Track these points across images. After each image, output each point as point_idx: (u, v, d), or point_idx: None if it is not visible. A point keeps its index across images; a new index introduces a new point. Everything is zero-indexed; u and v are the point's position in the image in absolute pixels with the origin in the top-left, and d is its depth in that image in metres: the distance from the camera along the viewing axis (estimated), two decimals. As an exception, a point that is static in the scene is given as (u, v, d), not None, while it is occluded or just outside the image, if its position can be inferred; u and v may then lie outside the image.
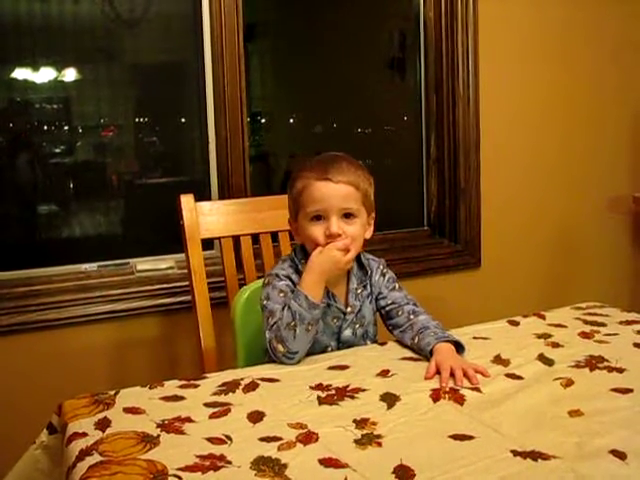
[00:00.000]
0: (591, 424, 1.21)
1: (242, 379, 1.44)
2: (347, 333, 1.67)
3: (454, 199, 2.86)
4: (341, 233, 1.56)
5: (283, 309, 1.54)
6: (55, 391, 1.57)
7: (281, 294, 1.58)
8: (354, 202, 1.58)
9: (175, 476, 1.06)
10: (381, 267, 1.74)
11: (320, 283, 1.55)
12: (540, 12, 2.90)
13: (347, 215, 1.58)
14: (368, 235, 1.68)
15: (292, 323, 1.51)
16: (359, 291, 1.68)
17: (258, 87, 2.93)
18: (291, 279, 1.60)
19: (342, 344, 1.66)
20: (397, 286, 1.74)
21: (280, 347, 1.51)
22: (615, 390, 1.35)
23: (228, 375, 1.47)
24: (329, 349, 1.64)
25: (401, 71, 3.00)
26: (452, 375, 1.41)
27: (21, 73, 2.37)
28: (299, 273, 1.61)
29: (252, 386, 1.41)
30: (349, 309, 1.66)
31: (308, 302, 1.51)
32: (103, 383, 1.84)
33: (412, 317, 1.66)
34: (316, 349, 1.60)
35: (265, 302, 1.59)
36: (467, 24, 2.75)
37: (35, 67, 2.38)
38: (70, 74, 2.46)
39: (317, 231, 1.57)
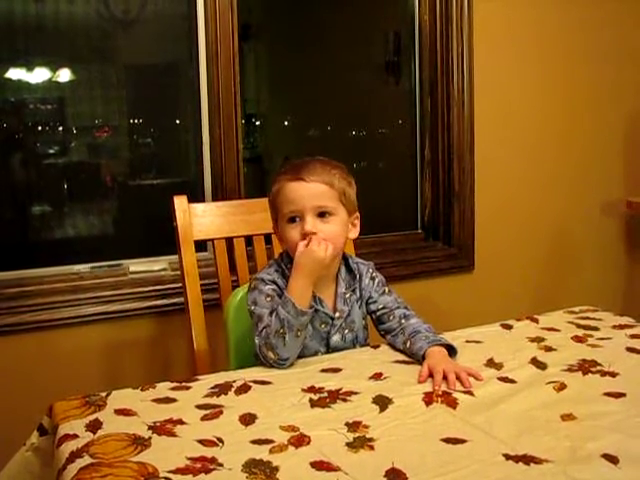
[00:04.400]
0: (584, 428, 1.21)
1: (234, 381, 1.43)
2: (336, 338, 1.65)
3: (448, 202, 2.86)
4: (316, 232, 1.54)
5: (271, 314, 1.54)
6: (46, 392, 1.56)
7: (268, 298, 1.57)
8: (329, 200, 1.57)
9: (166, 478, 1.05)
10: (370, 271, 1.73)
11: (308, 286, 1.54)
12: (535, 15, 2.91)
13: (324, 214, 1.57)
14: (353, 235, 1.68)
15: (281, 330, 1.50)
16: (347, 295, 1.67)
17: (253, 89, 2.93)
18: (277, 284, 1.60)
19: (331, 349, 1.65)
20: (387, 290, 1.73)
21: (271, 354, 1.51)
22: (608, 394, 1.35)
23: (220, 377, 1.47)
24: (319, 354, 1.63)
25: (396, 74, 3.01)
26: (445, 378, 1.41)
27: (15, 73, 2.37)
28: (285, 277, 1.60)
29: (244, 388, 1.40)
30: (337, 314, 1.65)
31: (295, 309, 1.50)
32: (95, 385, 1.82)
33: (403, 321, 1.66)
34: (305, 354, 1.59)
35: (253, 307, 1.58)
36: (462, 27, 2.75)
37: (29, 67, 2.38)
38: (64, 74, 2.46)
39: (294, 233, 1.57)
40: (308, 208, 1.55)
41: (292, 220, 1.58)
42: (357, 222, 1.68)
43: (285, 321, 1.50)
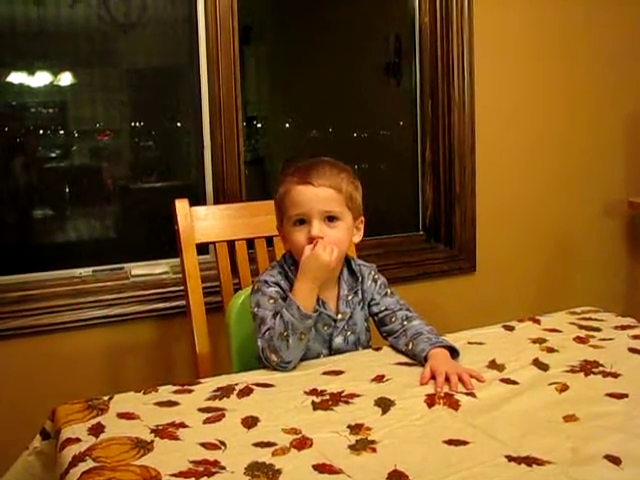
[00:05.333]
0: (586, 429, 1.21)
1: (236, 384, 1.43)
2: (338, 340, 1.65)
3: (449, 204, 2.87)
4: (323, 236, 1.54)
5: (274, 316, 1.53)
6: (49, 396, 1.56)
7: (271, 301, 1.57)
8: (336, 205, 1.57)
9: (168, 482, 1.05)
10: (372, 273, 1.73)
11: (313, 290, 1.54)
12: (535, 17, 2.91)
13: (330, 218, 1.57)
14: (356, 239, 1.68)
15: (285, 333, 1.50)
16: (350, 297, 1.67)
17: (254, 91, 2.93)
18: (280, 286, 1.60)
19: (334, 351, 1.65)
20: (389, 292, 1.73)
21: (273, 357, 1.51)
22: (610, 395, 1.35)
23: (222, 380, 1.47)
24: (321, 357, 1.63)
25: (397, 76, 3.01)
26: (447, 380, 1.41)
27: (17, 77, 2.37)
28: (288, 279, 1.60)
29: (246, 391, 1.40)
30: (340, 316, 1.65)
31: (300, 312, 1.50)
32: (97, 388, 1.82)
33: (405, 323, 1.65)
34: (308, 357, 1.59)
35: (255, 309, 1.58)
36: (462, 29, 2.75)
37: (31, 71, 2.38)
38: (66, 78, 2.46)
39: (300, 236, 1.57)
40: (315, 212, 1.55)
41: (298, 223, 1.58)
42: (361, 226, 1.68)
43: (289, 324, 1.50)
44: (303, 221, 1.57)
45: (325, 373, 1.50)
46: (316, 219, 1.55)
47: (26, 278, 2.32)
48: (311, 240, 1.54)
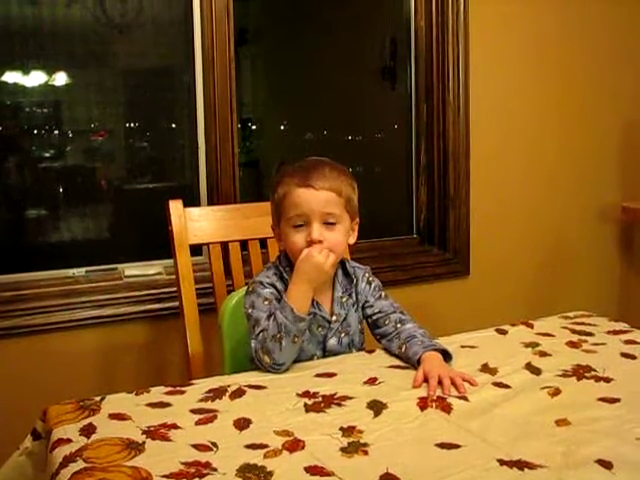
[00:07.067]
0: (578, 433, 1.21)
1: (229, 386, 1.43)
2: (332, 342, 1.65)
3: (443, 207, 2.87)
4: (322, 240, 1.55)
5: (268, 318, 1.53)
6: (40, 396, 1.55)
7: (266, 302, 1.57)
8: (336, 208, 1.57)
9: (160, 483, 1.05)
10: (367, 275, 1.73)
11: (308, 293, 1.54)
12: (532, 21, 2.91)
13: (329, 221, 1.57)
14: (352, 241, 1.68)
15: (278, 335, 1.49)
16: (344, 299, 1.67)
17: (249, 93, 2.93)
18: (275, 287, 1.60)
19: (328, 353, 1.65)
20: (383, 294, 1.73)
21: (266, 358, 1.50)
22: (602, 399, 1.35)
23: (215, 382, 1.46)
24: (315, 358, 1.63)
25: (392, 79, 3.01)
26: (440, 383, 1.41)
27: (11, 76, 2.36)
28: (284, 281, 1.60)
29: (239, 393, 1.40)
30: (334, 318, 1.65)
31: (294, 315, 1.50)
32: (89, 389, 1.82)
33: (399, 326, 1.65)
34: (302, 358, 1.59)
35: (250, 310, 1.58)
36: (458, 33, 2.75)
37: (26, 71, 2.38)
38: (61, 78, 2.46)
39: (299, 238, 1.57)
40: (315, 215, 1.55)
41: (298, 225, 1.58)
42: (356, 227, 1.68)
43: (282, 326, 1.50)
44: (302, 223, 1.57)
45: (318, 375, 1.50)
46: (316, 222, 1.55)
47: (19, 278, 2.31)
48: (310, 243, 1.55)
